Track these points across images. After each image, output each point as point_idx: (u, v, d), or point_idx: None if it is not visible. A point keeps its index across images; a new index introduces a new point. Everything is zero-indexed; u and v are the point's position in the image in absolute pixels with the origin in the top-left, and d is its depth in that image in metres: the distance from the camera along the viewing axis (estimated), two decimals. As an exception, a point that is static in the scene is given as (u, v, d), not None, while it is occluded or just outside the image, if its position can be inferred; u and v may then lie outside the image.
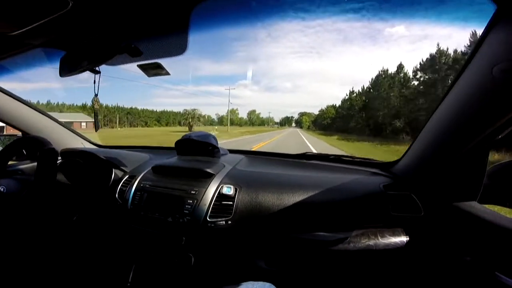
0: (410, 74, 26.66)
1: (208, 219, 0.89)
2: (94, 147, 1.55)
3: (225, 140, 16.40)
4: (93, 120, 0.95)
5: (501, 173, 0.77)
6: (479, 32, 0.59)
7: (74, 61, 0.81)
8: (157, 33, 0.77)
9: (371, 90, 30.83)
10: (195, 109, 41.89)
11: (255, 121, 76.96)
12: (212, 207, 0.91)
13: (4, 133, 1.84)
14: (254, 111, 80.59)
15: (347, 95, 36.24)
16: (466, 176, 0.77)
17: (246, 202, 0.92)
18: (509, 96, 0.56)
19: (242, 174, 1.06)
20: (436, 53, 24.10)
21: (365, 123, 29.51)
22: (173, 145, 1.28)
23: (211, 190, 0.94)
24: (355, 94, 34.39)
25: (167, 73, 0.86)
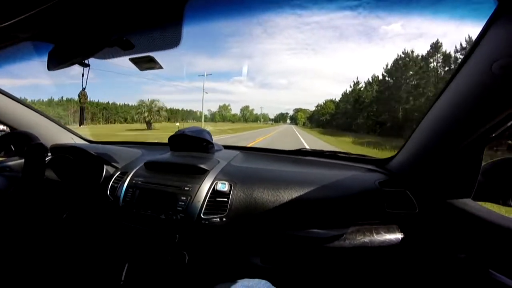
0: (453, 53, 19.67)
1: (202, 216, 0.88)
2: (85, 142, 1.51)
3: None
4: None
5: (495, 170, 0.77)
6: (476, 30, 0.58)
7: (62, 54, 0.79)
8: (149, 26, 0.74)
9: (387, 78, 23.72)
10: (154, 100, 31.41)
11: (248, 117, 74.19)
12: (206, 204, 0.90)
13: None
14: (247, 107, 77.38)
15: (350, 86, 30.41)
16: (461, 173, 0.77)
17: (241, 199, 0.91)
18: (508, 93, 0.56)
19: (237, 170, 1.05)
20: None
21: (380, 119, 22.47)
22: None
23: (205, 187, 0.92)
24: (361, 86, 28.08)
25: (160, 67, 0.84)
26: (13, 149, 1.25)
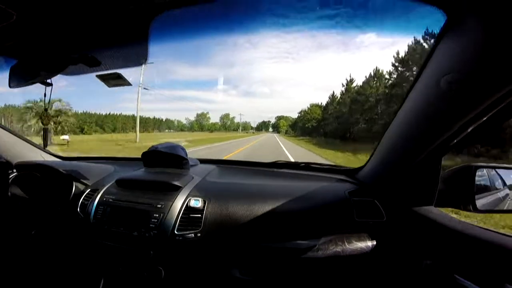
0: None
1: (176, 232, 0.87)
2: (56, 159, 1.45)
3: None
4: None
5: (454, 177, 0.82)
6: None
7: (24, 71, 0.76)
8: (116, 43, 0.74)
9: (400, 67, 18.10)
10: (55, 100, 16.46)
11: (229, 126, 68.04)
12: (180, 220, 0.89)
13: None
14: (227, 115, 70.34)
15: (343, 85, 25.17)
16: (422, 182, 0.81)
17: (215, 214, 0.91)
18: (456, 107, 0.58)
19: (211, 186, 1.05)
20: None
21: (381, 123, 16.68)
22: None
23: (178, 203, 0.91)
24: (355, 84, 23.27)
25: (129, 84, 0.84)
26: None
